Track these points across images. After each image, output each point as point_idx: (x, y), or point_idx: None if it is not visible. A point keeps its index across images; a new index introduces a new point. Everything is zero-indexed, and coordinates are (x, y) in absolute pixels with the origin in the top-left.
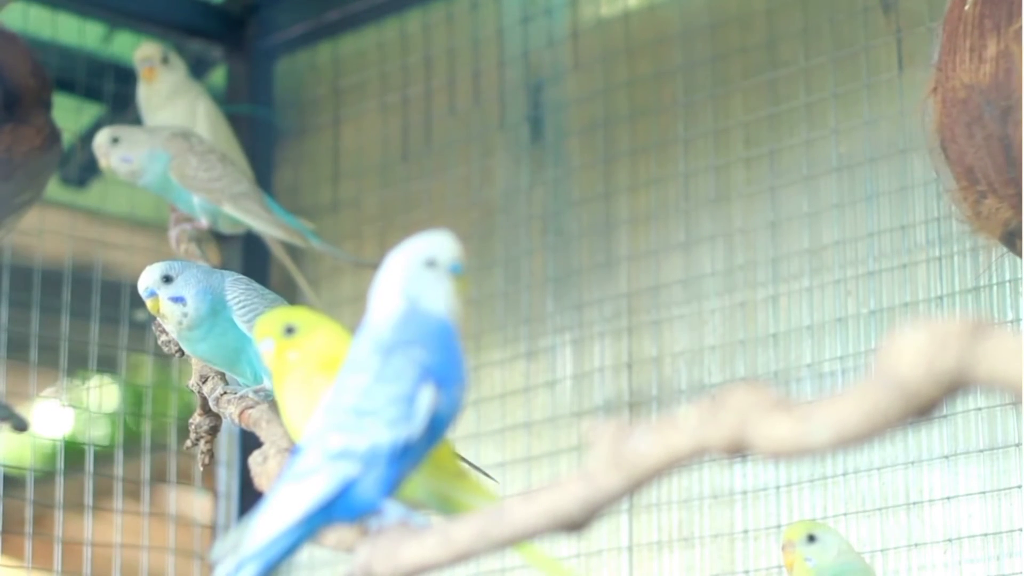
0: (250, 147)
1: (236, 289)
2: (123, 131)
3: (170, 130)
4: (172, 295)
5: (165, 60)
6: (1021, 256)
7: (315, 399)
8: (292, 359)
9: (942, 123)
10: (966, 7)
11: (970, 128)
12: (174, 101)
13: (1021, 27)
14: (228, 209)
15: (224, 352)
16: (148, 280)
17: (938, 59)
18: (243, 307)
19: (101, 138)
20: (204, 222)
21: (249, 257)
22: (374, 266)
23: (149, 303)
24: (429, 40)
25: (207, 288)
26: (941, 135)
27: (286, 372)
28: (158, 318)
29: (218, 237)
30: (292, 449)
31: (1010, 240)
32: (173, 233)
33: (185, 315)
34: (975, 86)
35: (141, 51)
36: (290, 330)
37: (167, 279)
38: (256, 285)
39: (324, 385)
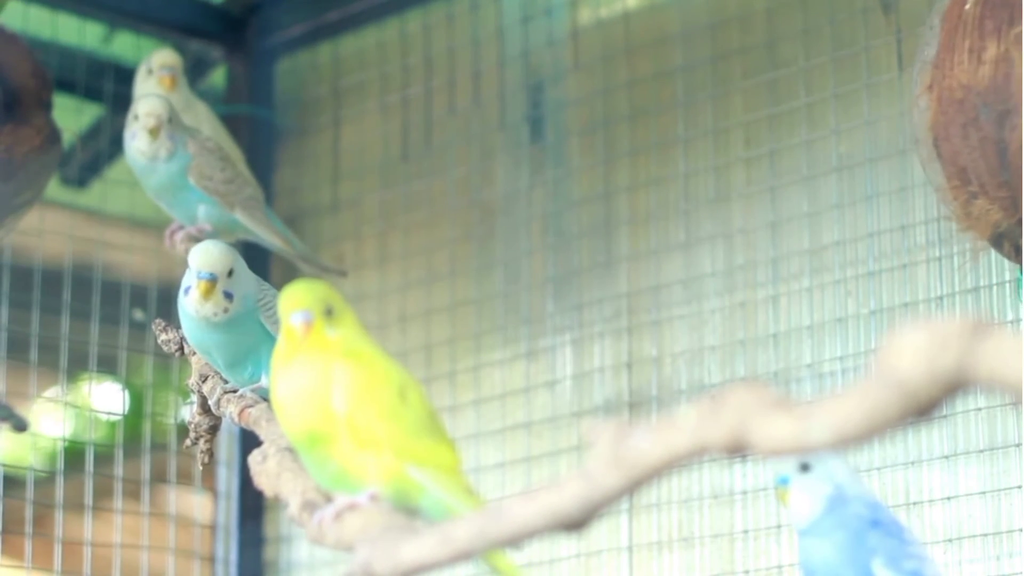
0: (250, 147)
1: (263, 291)
2: (176, 114)
3: (188, 130)
4: (227, 289)
5: (182, 73)
6: (1013, 259)
7: (326, 383)
8: (332, 338)
9: (936, 121)
10: (967, 7)
11: (965, 129)
12: (183, 114)
13: (1022, 31)
14: (239, 214)
15: (238, 348)
16: (216, 266)
17: (936, 56)
18: (271, 309)
19: (162, 108)
20: (207, 226)
21: (249, 259)
22: (341, 273)
23: (204, 284)
24: (429, 40)
25: (250, 292)
26: (935, 133)
27: (315, 349)
28: (197, 300)
29: None
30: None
31: (998, 242)
32: (179, 236)
33: (226, 311)
34: (972, 87)
35: (165, 58)
36: (330, 311)
37: (231, 273)
38: (267, 285)
39: (341, 370)
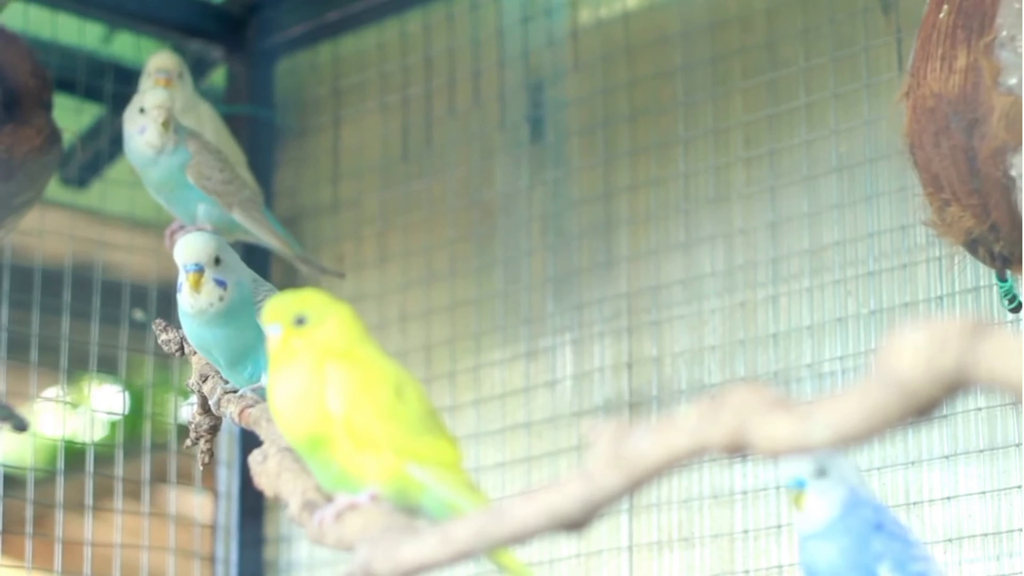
0: (250, 147)
1: (261, 290)
2: (178, 104)
3: (186, 129)
4: (217, 276)
5: (180, 75)
6: (989, 264)
7: (320, 386)
8: (296, 346)
9: (911, 129)
10: (940, 15)
11: (937, 137)
12: (184, 115)
13: (991, 41)
14: (236, 215)
15: (238, 344)
16: (200, 255)
17: (912, 64)
18: None
19: (169, 99)
20: (207, 226)
21: (249, 260)
22: (339, 275)
23: (192, 276)
24: (429, 40)
25: (244, 280)
26: (910, 140)
27: (288, 359)
28: (189, 293)
29: None
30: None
31: (973, 247)
32: (179, 236)
33: (221, 299)
34: (943, 96)
35: (161, 61)
36: (300, 320)
37: (218, 260)
38: (267, 285)
39: (334, 372)
